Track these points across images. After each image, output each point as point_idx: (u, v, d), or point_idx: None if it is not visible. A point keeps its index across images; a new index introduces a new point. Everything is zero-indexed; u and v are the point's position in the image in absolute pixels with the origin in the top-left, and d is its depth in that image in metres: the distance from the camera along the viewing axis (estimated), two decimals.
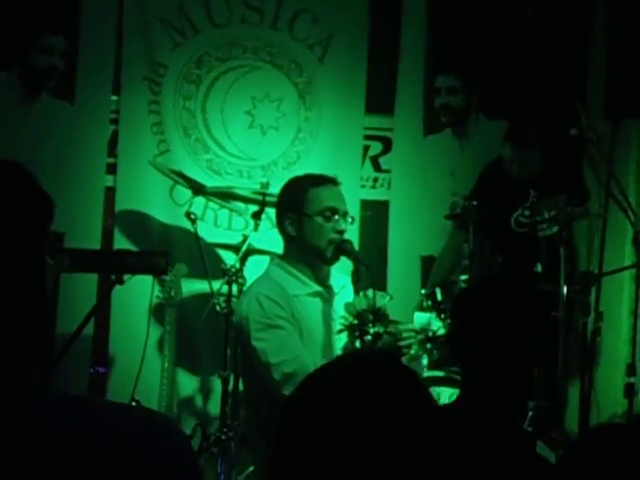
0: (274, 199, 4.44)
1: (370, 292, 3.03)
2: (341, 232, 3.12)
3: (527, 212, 4.57)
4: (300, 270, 3.17)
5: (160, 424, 1.18)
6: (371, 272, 3.11)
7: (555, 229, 4.17)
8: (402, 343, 3.02)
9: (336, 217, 3.10)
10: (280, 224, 3.25)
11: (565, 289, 3.91)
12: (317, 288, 3.22)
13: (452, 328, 2.07)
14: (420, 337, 3.05)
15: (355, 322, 2.92)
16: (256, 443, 3.26)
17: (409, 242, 5.17)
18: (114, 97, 5.02)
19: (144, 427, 1.16)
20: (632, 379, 4.34)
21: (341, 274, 3.31)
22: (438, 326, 2.98)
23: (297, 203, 3.14)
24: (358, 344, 2.93)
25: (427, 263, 4.99)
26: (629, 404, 4.30)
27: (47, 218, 1.21)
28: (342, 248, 3.11)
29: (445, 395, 4.19)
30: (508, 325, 1.91)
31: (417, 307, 3.53)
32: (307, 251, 3.14)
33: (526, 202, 4.56)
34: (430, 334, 2.96)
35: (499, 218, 4.31)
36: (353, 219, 3.35)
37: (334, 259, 3.18)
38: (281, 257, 3.26)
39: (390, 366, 1.11)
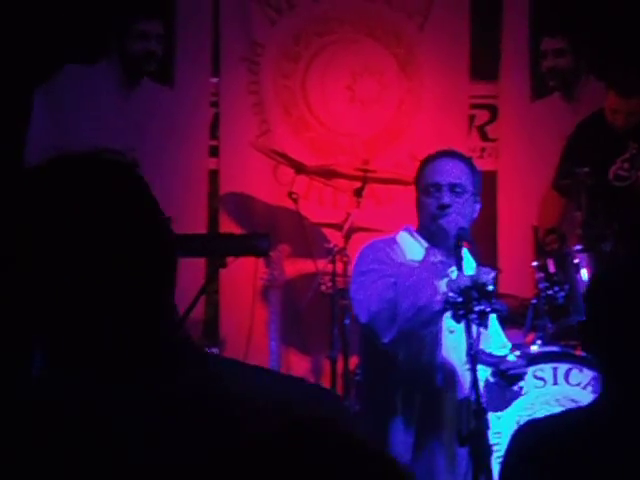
0: (376, 175, 4.38)
1: (474, 268, 2.91)
2: (443, 206, 2.99)
3: (627, 165, 4.33)
4: (425, 240, 3.06)
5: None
6: (475, 248, 2.99)
7: None
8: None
9: (438, 192, 2.99)
10: None
11: None
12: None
13: (591, 317, 1.81)
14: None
15: (459, 300, 2.81)
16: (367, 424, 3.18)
17: (520, 212, 5.00)
18: (214, 79, 5.00)
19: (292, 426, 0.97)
20: None
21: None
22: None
23: (415, 184, 3.11)
24: (464, 323, 2.82)
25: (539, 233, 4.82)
26: None
27: (169, 240, 1.13)
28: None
29: (561, 371, 4.03)
30: None
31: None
32: (422, 228, 3.07)
33: (624, 155, 4.32)
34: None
35: (597, 173, 4.08)
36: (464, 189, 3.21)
37: (445, 240, 3.02)
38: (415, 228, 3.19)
39: None
